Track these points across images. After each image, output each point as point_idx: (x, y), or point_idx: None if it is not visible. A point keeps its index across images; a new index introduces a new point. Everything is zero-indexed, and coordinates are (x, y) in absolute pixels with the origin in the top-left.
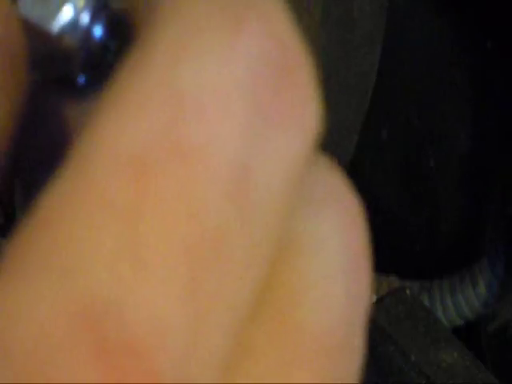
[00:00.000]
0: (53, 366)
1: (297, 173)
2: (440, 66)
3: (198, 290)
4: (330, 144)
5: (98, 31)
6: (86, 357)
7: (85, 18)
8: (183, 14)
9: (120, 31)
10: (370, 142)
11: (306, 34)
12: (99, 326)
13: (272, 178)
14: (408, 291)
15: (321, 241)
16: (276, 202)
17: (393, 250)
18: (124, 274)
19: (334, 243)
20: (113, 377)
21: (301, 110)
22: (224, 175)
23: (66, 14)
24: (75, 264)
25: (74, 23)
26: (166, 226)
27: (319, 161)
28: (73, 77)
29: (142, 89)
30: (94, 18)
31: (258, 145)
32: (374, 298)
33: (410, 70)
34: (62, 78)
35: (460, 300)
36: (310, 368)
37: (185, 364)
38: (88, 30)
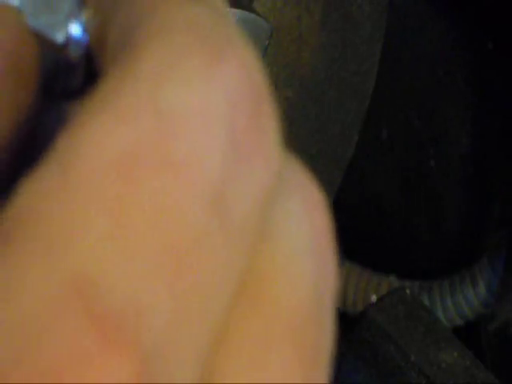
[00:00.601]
0: (50, 333)
1: (266, 194)
2: (440, 66)
3: (179, 281)
4: (330, 144)
5: None
6: (79, 323)
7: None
8: (168, 39)
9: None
10: (370, 142)
11: (306, 34)
12: (89, 295)
13: (244, 200)
14: (408, 291)
15: (288, 226)
16: (248, 219)
17: (393, 250)
18: (112, 255)
19: (300, 228)
20: (103, 344)
21: (267, 139)
22: (203, 191)
23: (73, 24)
24: (67, 242)
25: (80, 34)
26: (151, 221)
27: (285, 156)
28: (75, 86)
29: (127, 98)
30: None
31: (234, 169)
32: (374, 298)
33: (410, 70)
34: (64, 89)
35: (460, 300)
36: (288, 340)
37: (166, 345)
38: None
